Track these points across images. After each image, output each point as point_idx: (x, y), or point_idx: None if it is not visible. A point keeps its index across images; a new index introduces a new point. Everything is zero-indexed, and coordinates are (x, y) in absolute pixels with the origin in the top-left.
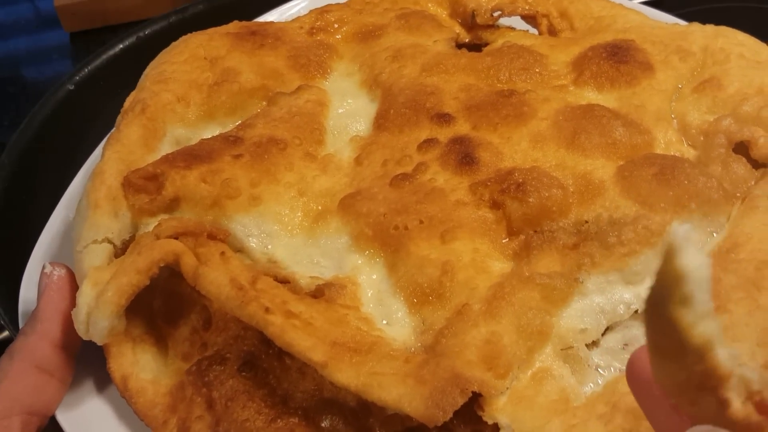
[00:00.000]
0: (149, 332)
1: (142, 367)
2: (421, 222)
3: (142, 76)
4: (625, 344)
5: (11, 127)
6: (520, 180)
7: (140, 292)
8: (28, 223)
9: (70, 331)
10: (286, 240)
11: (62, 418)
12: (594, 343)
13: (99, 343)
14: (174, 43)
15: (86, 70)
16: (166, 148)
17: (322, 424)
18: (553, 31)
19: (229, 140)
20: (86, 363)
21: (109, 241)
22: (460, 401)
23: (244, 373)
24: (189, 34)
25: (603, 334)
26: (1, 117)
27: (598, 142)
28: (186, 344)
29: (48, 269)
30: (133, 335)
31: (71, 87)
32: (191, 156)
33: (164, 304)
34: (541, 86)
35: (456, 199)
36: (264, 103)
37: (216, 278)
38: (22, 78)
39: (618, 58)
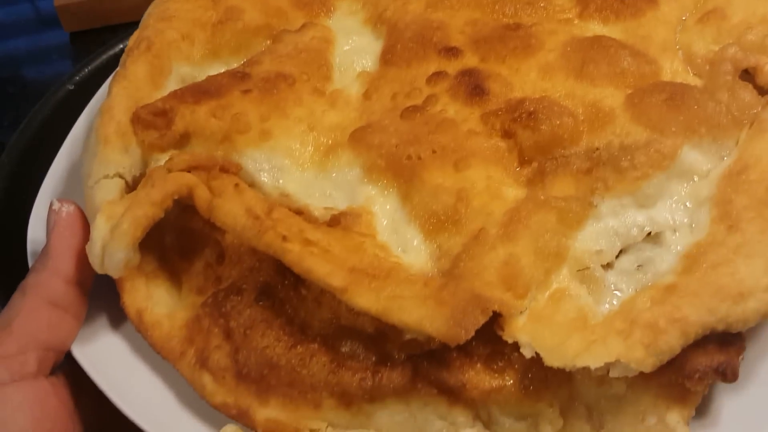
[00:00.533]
0: (162, 267)
1: (156, 301)
2: (434, 151)
3: (145, 15)
4: (639, 265)
5: (11, 127)
6: (531, 109)
7: (151, 229)
8: (27, 224)
9: (82, 267)
10: (298, 174)
11: (78, 352)
12: (608, 265)
13: (114, 276)
14: None
15: (86, 70)
16: (172, 86)
17: (342, 350)
18: None
19: (237, 76)
20: (99, 300)
21: (121, 176)
22: (482, 320)
23: (261, 303)
24: None
25: (617, 257)
26: (1, 117)
27: (606, 71)
28: (200, 278)
29: (56, 206)
30: (146, 271)
31: (71, 87)
32: (200, 91)
33: (176, 240)
34: (546, 20)
35: (468, 129)
36: (268, 42)
37: (231, 209)
38: (22, 78)
39: None
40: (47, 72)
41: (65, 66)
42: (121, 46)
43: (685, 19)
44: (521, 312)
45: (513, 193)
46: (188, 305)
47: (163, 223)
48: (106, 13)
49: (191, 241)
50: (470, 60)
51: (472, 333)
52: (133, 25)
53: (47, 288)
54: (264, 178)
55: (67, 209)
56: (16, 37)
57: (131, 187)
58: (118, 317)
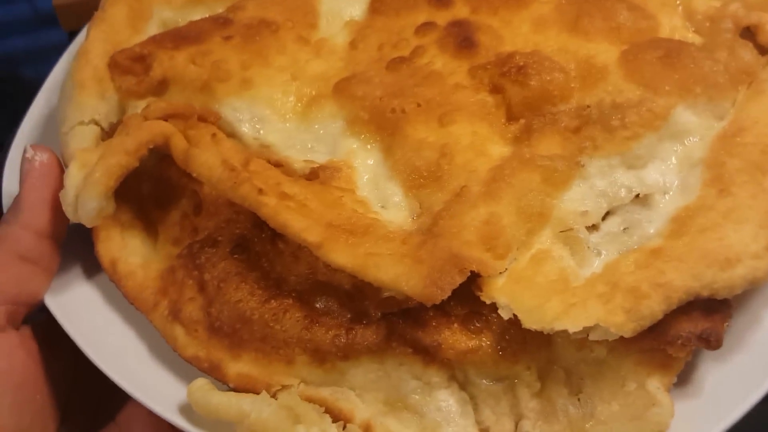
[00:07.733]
0: (138, 217)
1: (131, 251)
2: (419, 105)
3: None
4: (625, 228)
5: (9, 126)
6: (521, 63)
7: (128, 177)
8: None
9: (54, 219)
10: (279, 125)
11: (51, 302)
12: (594, 227)
13: (87, 225)
14: None
15: None
16: (152, 31)
17: (317, 305)
18: None
19: (219, 22)
20: (74, 249)
21: (96, 123)
22: (459, 280)
23: (236, 256)
24: None
25: (603, 218)
26: None
27: (601, 26)
28: (176, 229)
29: (30, 153)
30: (122, 220)
31: None
32: (180, 37)
33: (153, 189)
34: None
35: (455, 82)
36: None
37: (207, 160)
38: (20, 77)
39: None
40: (45, 71)
41: None
42: None
43: None
44: (500, 273)
45: (498, 150)
46: (164, 256)
47: (140, 171)
48: None
49: (168, 191)
50: (461, 11)
51: (449, 293)
52: None
53: (17, 242)
54: (244, 129)
55: (41, 158)
56: (14, 36)
57: (108, 134)
58: (92, 267)
